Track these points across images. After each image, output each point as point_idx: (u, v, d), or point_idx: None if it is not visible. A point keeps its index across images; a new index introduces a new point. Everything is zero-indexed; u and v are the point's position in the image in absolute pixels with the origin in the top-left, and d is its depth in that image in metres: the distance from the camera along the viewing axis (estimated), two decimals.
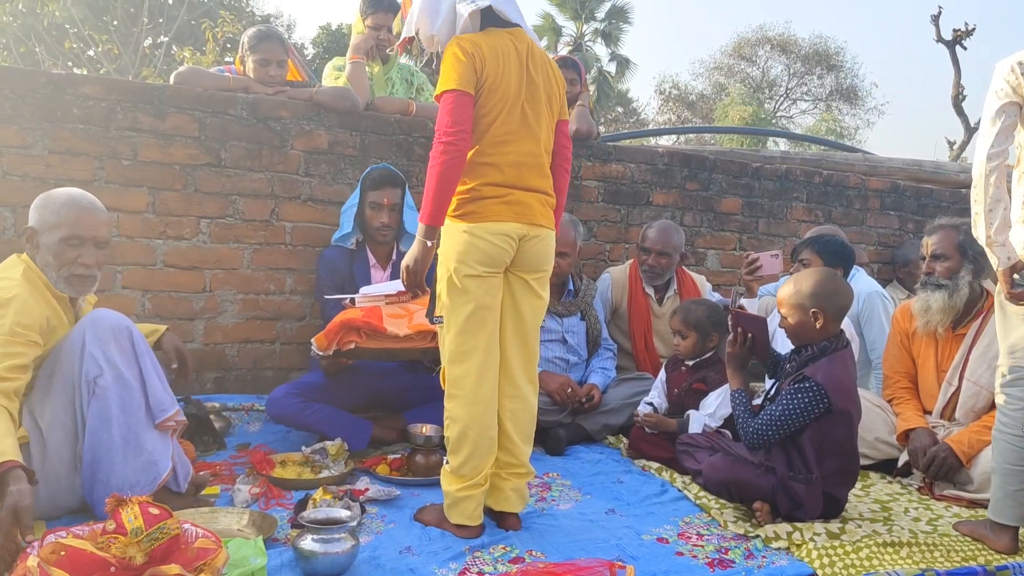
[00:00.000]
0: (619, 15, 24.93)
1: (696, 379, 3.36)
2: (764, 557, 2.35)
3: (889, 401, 3.37)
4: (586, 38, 25.27)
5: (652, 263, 3.92)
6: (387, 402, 3.41)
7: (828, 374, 2.57)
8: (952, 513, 2.80)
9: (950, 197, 5.66)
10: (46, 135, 3.24)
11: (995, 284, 2.45)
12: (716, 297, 4.04)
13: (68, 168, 3.28)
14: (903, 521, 2.67)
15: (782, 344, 3.06)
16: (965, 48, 12.83)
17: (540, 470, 3.08)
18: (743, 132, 18.41)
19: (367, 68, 4.05)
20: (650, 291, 4.02)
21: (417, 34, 2.50)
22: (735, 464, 2.70)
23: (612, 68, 25.27)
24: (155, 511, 1.77)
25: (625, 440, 3.49)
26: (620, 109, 26.58)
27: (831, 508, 2.62)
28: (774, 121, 25.05)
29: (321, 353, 3.01)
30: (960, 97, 12.92)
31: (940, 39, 12.98)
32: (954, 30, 12.69)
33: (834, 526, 2.52)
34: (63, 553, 1.65)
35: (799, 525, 2.51)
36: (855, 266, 3.75)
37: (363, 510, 2.51)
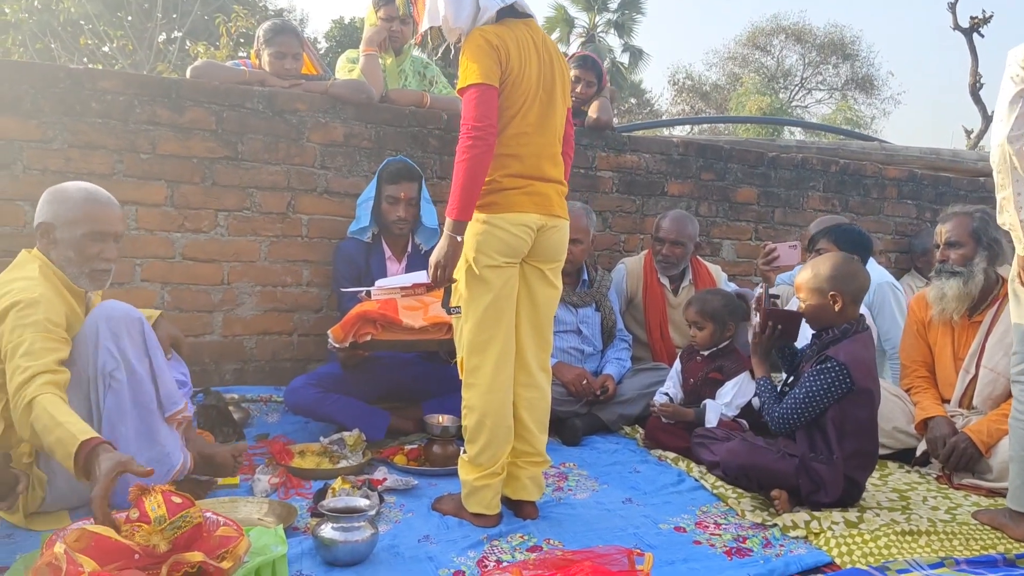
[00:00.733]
0: (632, 5, 24.82)
1: (712, 369, 3.36)
2: (782, 545, 2.36)
3: (907, 390, 3.35)
4: (599, 29, 25.17)
5: (666, 253, 3.92)
6: (404, 393, 3.42)
7: (850, 353, 2.59)
8: (971, 502, 2.79)
9: (968, 185, 5.62)
10: (65, 129, 3.27)
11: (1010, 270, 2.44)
12: (732, 287, 4.03)
13: (88, 162, 3.31)
14: (921, 510, 2.67)
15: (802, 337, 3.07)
16: (982, 36, 12.68)
17: (556, 460, 3.09)
18: (758, 122, 18.26)
19: (380, 60, 4.06)
20: (665, 281, 4.02)
21: (440, 25, 2.47)
22: (754, 449, 2.71)
23: (625, 59, 25.19)
24: (177, 500, 1.79)
25: (641, 430, 3.50)
26: (633, 100, 26.47)
27: (851, 492, 2.63)
28: (789, 111, 24.88)
29: (338, 345, 3.03)
30: (977, 85, 12.78)
31: (957, 27, 12.83)
32: (971, 17, 12.53)
33: (852, 515, 2.52)
34: (90, 542, 1.68)
35: (817, 514, 2.51)
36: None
37: (381, 500, 2.53)
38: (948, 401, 3.24)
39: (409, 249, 3.58)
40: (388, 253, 3.55)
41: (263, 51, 3.82)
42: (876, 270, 3.77)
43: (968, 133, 13.32)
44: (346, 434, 3.03)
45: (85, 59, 13.52)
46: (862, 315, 2.72)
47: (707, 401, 3.28)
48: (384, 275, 3.46)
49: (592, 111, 4.41)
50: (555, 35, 25.21)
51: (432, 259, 2.36)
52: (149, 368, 2.35)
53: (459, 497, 2.47)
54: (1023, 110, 2.28)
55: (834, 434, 2.58)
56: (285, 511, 2.38)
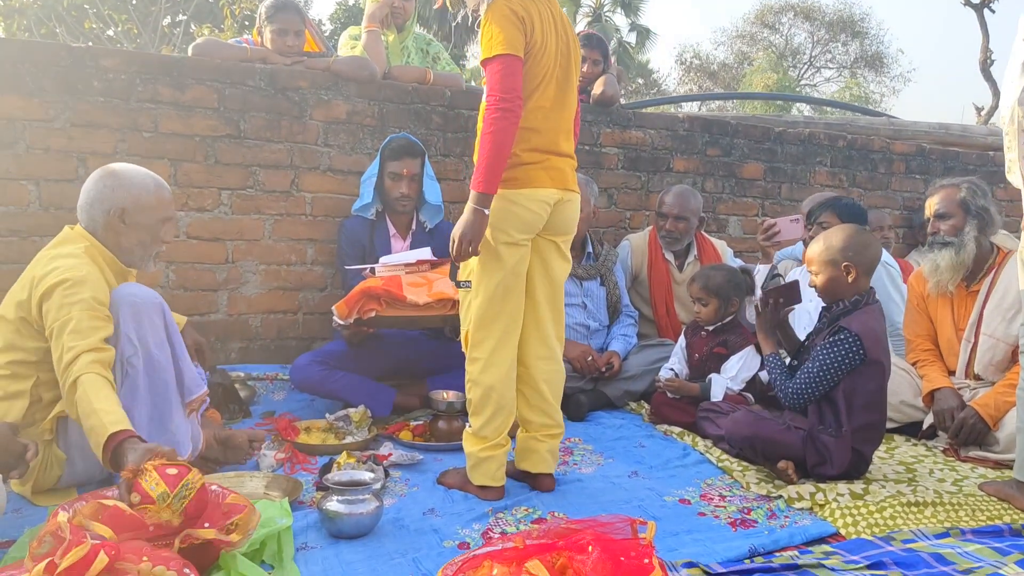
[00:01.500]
0: None
1: (717, 343, 3.35)
2: (787, 517, 2.35)
3: (913, 364, 3.35)
4: (605, 8, 24.98)
5: (669, 228, 3.90)
6: (410, 369, 3.43)
7: (863, 324, 2.59)
8: (978, 474, 2.78)
9: (977, 160, 5.57)
10: (68, 108, 3.26)
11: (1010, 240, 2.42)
12: (737, 263, 4.01)
13: (90, 141, 3.30)
14: (928, 482, 2.66)
15: (801, 324, 3.06)
16: (993, 11, 12.56)
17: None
18: (766, 98, 18.15)
19: (383, 37, 4.03)
20: (670, 257, 4.00)
21: None
22: (759, 420, 2.71)
23: (632, 39, 25.00)
24: (173, 471, 1.78)
25: (647, 405, 3.50)
26: (641, 80, 26.32)
27: (858, 465, 2.62)
28: (798, 89, 24.69)
29: (342, 322, 3.03)
30: (988, 62, 12.67)
31: (968, 2, 12.71)
32: None
33: (858, 487, 2.51)
34: (105, 512, 1.68)
35: (822, 486, 2.51)
36: None
37: (387, 474, 2.53)
38: (954, 373, 3.24)
39: (413, 226, 3.57)
40: (392, 230, 3.54)
41: (265, 28, 3.80)
42: None
43: (979, 110, 13.21)
44: (352, 410, 3.03)
45: (90, 43, 13.51)
46: (872, 288, 2.71)
47: (712, 376, 3.28)
48: (388, 252, 3.46)
49: (598, 86, 4.38)
50: None
51: (456, 232, 2.27)
52: (170, 353, 2.33)
53: (464, 471, 2.48)
54: None
55: (844, 406, 2.57)
56: (291, 485, 2.39)
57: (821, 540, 2.21)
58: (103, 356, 2.09)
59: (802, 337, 2.87)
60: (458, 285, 2.46)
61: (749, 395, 3.27)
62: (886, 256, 3.78)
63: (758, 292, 3.42)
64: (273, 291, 3.68)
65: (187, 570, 1.57)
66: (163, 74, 3.41)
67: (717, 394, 3.18)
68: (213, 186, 3.53)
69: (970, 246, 3.15)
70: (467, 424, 2.50)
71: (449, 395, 3.05)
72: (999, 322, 3.09)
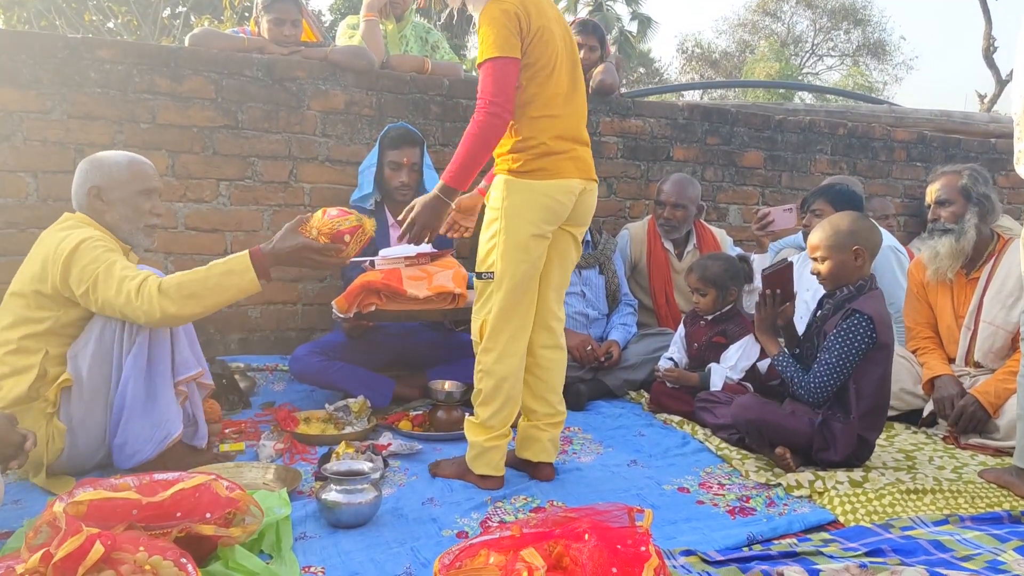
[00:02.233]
0: None
1: (716, 333, 3.34)
2: (786, 505, 2.35)
3: (913, 352, 3.34)
4: None
5: (667, 216, 3.90)
6: (409, 360, 3.43)
7: (873, 307, 2.57)
8: (978, 462, 2.77)
9: (979, 147, 5.54)
10: (65, 100, 3.26)
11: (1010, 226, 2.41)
12: (737, 252, 4.00)
13: (87, 132, 3.30)
14: (927, 469, 2.66)
15: (798, 315, 3.05)
16: None
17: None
18: (767, 86, 18.09)
19: (381, 26, 4.02)
20: (669, 246, 3.99)
21: None
22: (765, 404, 2.69)
23: (633, 27, 24.90)
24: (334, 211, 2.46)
25: (646, 394, 3.49)
26: (642, 70, 26.22)
27: (861, 451, 2.62)
28: (800, 78, 24.59)
29: (342, 316, 3.02)
30: (991, 49, 12.60)
31: None
32: None
33: (857, 474, 2.51)
34: (86, 508, 1.68)
35: (821, 474, 2.50)
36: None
37: (386, 464, 2.54)
38: (954, 360, 3.23)
39: None
40: (391, 220, 3.54)
41: (262, 18, 3.79)
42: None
43: (981, 98, 13.15)
44: (351, 401, 3.04)
45: (90, 35, 13.48)
46: (873, 273, 2.70)
47: (712, 365, 3.28)
48: (387, 242, 3.45)
49: (597, 74, 4.36)
50: (562, 3, 24.95)
51: (414, 212, 2.32)
52: (169, 332, 2.39)
53: (460, 460, 2.48)
54: None
55: (853, 392, 2.56)
56: (289, 475, 2.39)
57: (820, 528, 2.21)
58: (157, 280, 2.26)
59: (800, 328, 2.86)
60: (479, 276, 2.40)
61: (748, 384, 3.26)
62: (895, 242, 3.77)
63: (756, 281, 3.41)
64: (272, 282, 3.66)
65: (184, 560, 1.57)
66: (160, 65, 3.40)
67: (716, 383, 3.18)
68: (211, 177, 3.53)
69: (970, 233, 3.14)
70: (468, 413, 2.50)
71: (448, 385, 3.05)
72: (999, 309, 3.09)
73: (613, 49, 4.82)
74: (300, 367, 3.21)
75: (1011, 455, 2.56)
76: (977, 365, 3.16)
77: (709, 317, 3.39)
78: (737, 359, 3.23)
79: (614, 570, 1.52)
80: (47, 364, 2.28)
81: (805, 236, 3.65)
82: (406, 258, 3.16)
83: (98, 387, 2.31)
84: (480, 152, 2.24)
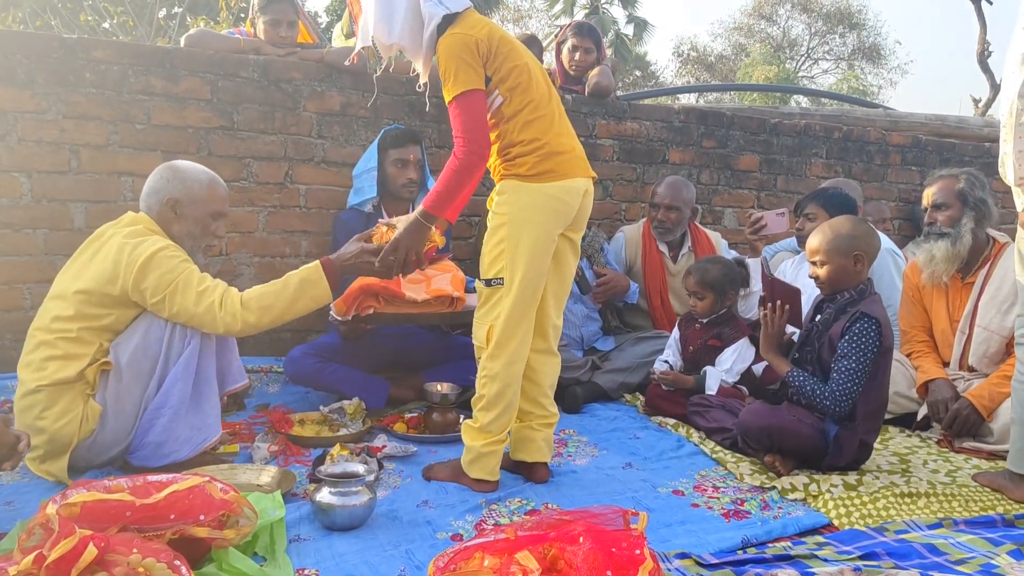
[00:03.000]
0: None
1: (711, 336, 3.35)
2: (780, 508, 2.36)
3: (908, 355, 3.35)
4: (603, 0, 24.90)
5: (661, 218, 3.90)
6: (404, 362, 3.42)
7: (879, 311, 2.57)
8: (972, 465, 2.78)
9: (973, 151, 5.56)
10: (60, 100, 3.25)
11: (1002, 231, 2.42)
12: (732, 255, 4.01)
13: (82, 133, 3.29)
14: (921, 472, 2.66)
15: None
16: (991, 3, 12.53)
17: (557, 428, 3.08)
18: (763, 90, 18.14)
19: None
20: (664, 249, 4.00)
21: (374, 43, 2.40)
22: (775, 411, 2.66)
23: (630, 30, 24.92)
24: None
25: (641, 397, 3.50)
26: (638, 72, 26.25)
27: (862, 455, 2.63)
28: (795, 81, 24.64)
29: (340, 318, 3.02)
30: (986, 53, 12.63)
31: None
32: None
33: (851, 478, 2.52)
34: (79, 510, 1.68)
35: (816, 477, 2.51)
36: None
37: (380, 466, 2.53)
38: (948, 364, 3.24)
39: None
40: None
41: (258, 19, 3.79)
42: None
43: (976, 102, 13.19)
44: (346, 403, 3.03)
45: (85, 36, 13.45)
46: (870, 277, 2.70)
47: (707, 368, 3.28)
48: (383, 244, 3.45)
49: (592, 77, 4.37)
50: (558, 7, 24.98)
51: (398, 240, 2.36)
52: (213, 340, 2.49)
53: (455, 463, 2.48)
54: None
55: (859, 398, 2.55)
56: (284, 478, 2.39)
57: (814, 531, 2.21)
58: (237, 294, 2.42)
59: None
60: (488, 284, 2.38)
61: (743, 387, 3.27)
62: (892, 246, 3.78)
63: (752, 284, 3.42)
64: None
65: (177, 562, 1.57)
66: (156, 66, 3.40)
67: (712, 386, 3.18)
68: None
69: (966, 237, 3.14)
70: (463, 417, 2.49)
71: (443, 387, 3.04)
72: (994, 314, 3.09)
73: (609, 52, 4.83)
74: (295, 369, 3.21)
75: (1005, 458, 2.57)
76: (971, 369, 3.17)
77: (704, 320, 3.39)
78: (732, 362, 3.24)
79: (609, 573, 1.52)
80: (98, 354, 2.37)
81: (798, 240, 3.65)
82: None
83: (135, 378, 2.38)
84: (460, 186, 2.30)
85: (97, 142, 3.31)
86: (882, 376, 2.62)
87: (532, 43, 4.53)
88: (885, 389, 2.67)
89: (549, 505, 2.34)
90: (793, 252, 3.94)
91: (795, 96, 17.26)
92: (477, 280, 2.42)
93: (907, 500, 2.39)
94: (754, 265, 3.52)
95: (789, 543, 2.10)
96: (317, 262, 2.49)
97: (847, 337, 2.55)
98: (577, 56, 4.48)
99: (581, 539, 1.60)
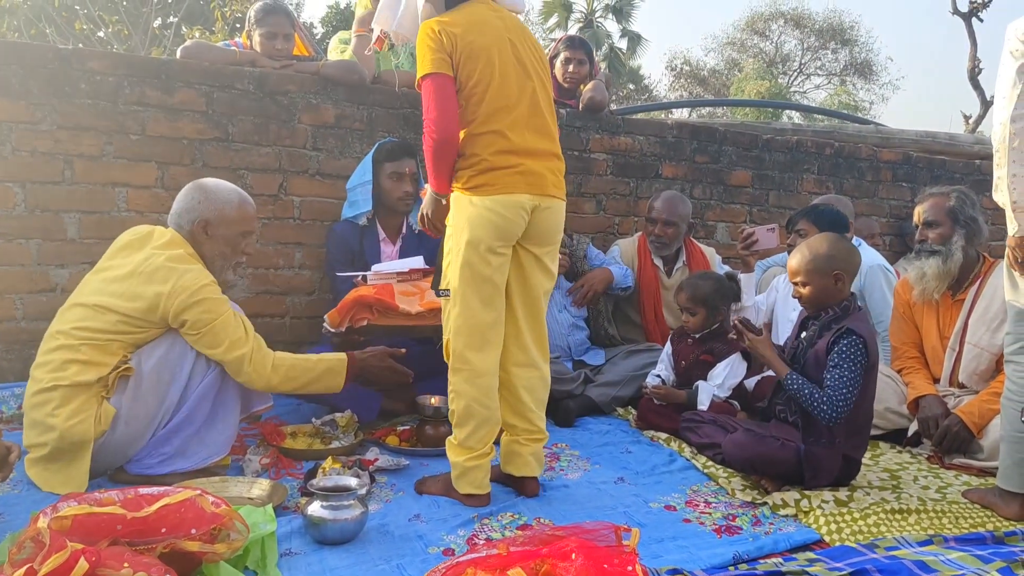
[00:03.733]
0: None
1: (703, 351, 3.36)
2: (772, 524, 2.36)
3: (899, 371, 3.37)
4: (597, 14, 25.07)
5: (659, 233, 3.91)
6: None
7: (865, 328, 2.58)
8: (962, 481, 2.79)
9: (963, 168, 5.61)
10: (54, 110, 3.25)
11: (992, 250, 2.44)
12: (725, 269, 4.03)
13: (77, 143, 3.29)
14: (912, 489, 2.67)
15: (784, 334, 3.06)
16: (981, 20, 12.67)
17: (549, 441, 3.08)
18: (755, 105, 18.26)
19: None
20: (658, 263, 4.01)
21: (383, 32, 2.59)
22: (759, 440, 2.64)
23: (623, 44, 25.10)
24: None
25: (634, 411, 3.50)
26: (632, 86, 26.40)
27: (848, 470, 2.63)
28: (787, 96, 24.82)
29: (333, 330, 3.02)
30: (976, 70, 12.76)
31: (956, 11, 12.81)
32: (970, 2, 12.52)
33: (842, 494, 2.52)
34: (70, 524, 1.67)
35: (807, 493, 2.51)
36: (857, 238, 3.76)
37: (372, 479, 2.53)
38: (938, 381, 3.26)
39: (404, 231, 3.57)
40: (382, 235, 3.54)
41: (254, 31, 3.80)
42: (868, 253, 3.77)
43: (967, 119, 13.31)
44: (338, 415, 3.02)
45: (80, 44, 13.45)
46: (854, 293, 2.72)
47: (699, 383, 3.29)
48: (378, 257, 3.46)
49: (587, 91, 4.40)
50: (553, 20, 25.11)
51: (421, 210, 2.50)
52: None
53: (447, 477, 2.47)
54: None
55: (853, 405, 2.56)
56: (275, 491, 2.38)
57: (805, 547, 2.22)
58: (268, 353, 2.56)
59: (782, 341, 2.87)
60: (438, 294, 2.44)
61: (735, 403, 3.28)
62: (884, 261, 3.80)
63: (744, 299, 3.43)
64: (260, 295, 3.67)
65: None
66: (151, 77, 3.40)
67: (704, 401, 3.19)
68: None
69: (957, 255, 3.16)
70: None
71: (436, 400, 3.04)
72: (984, 332, 3.11)
73: (603, 66, 4.87)
74: None
75: (995, 475, 2.58)
76: (961, 386, 3.19)
77: (697, 335, 3.40)
78: (724, 377, 3.25)
79: None
80: (121, 361, 2.39)
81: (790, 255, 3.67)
82: (398, 274, 3.17)
83: (154, 387, 2.41)
84: (440, 165, 2.36)
85: (91, 153, 3.31)
86: (867, 392, 2.62)
87: None
88: (870, 405, 2.67)
89: (541, 520, 2.34)
90: (784, 267, 3.95)
91: (786, 111, 17.33)
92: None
93: (898, 516, 2.39)
94: (746, 280, 3.53)
95: (780, 559, 2.10)
96: (344, 356, 2.71)
97: (835, 352, 2.56)
98: (570, 68, 4.51)
99: (573, 555, 1.61)
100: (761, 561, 2.10)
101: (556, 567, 1.59)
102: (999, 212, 2.55)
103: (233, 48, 3.77)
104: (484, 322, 2.37)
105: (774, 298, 3.64)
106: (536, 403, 2.54)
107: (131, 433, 2.40)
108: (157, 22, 14.20)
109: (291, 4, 19.93)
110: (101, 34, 13.69)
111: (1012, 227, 2.34)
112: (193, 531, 1.77)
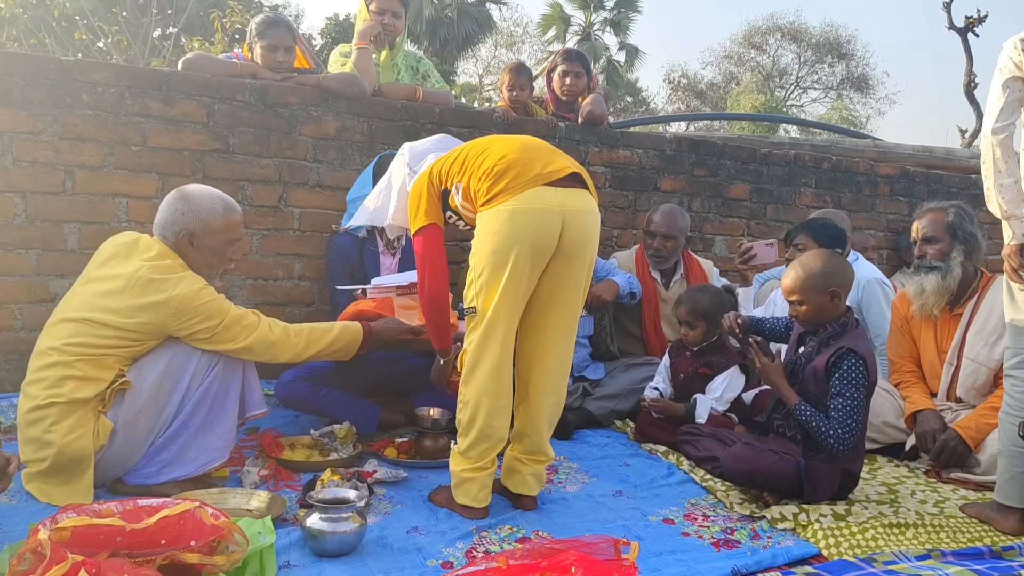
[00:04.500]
0: (628, 4, 24.77)
1: (701, 364, 3.36)
2: (770, 537, 2.36)
3: (896, 385, 3.37)
4: (595, 27, 25.15)
5: (657, 246, 3.92)
6: (395, 386, 3.42)
7: (864, 347, 2.58)
8: (959, 496, 2.80)
9: (960, 183, 5.64)
10: (56, 121, 3.26)
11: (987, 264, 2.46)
12: (723, 282, 4.04)
13: (78, 154, 3.30)
14: (910, 503, 2.67)
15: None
16: (977, 35, 12.73)
17: None
18: (753, 119, 18.33)
19: (373, 55, 4.05)
20: (656, 275, 4.02)
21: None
22: (757, 454, 2.64)
23: (621, 57, 25.17)
24: None
25: (632, 424, 3.50)
26: (629, 99, 26.48)
27: (847, 484, 2.63)
28: (785, 110, 24.92)
29: None
30: (972, 85, 12.83)
31: (952, 26, 12.88)
32: (966, 17, 12.58)
33: (840, 507, 2.53)
34: (70, 534, 1.67)
35: (805, 506, 2.51)
36: (854, 252, 3.76)
37: (371, 492, 2.53)
38: (936, 395, 3.26)
39: (403, 242, 3.57)
40: (381, 247, 3.55)
41: (255, 44, 3.81)
42: (865, 266, 3.79)
43: (963, 133, 13.36)
44: (337, 427, 3.02)
45: (80, 55, 13.47)
46: (850, 307, 2.73)
47: (697, 396, 3.29)
48: (377, 269, 3.46)
49: (586, 105, 4.42)
50: (551, 33, 25.22)
51: (431, 380, 2.83)
52: (242, 371, 2.56)
53: (451, 488, 2.47)
54: (1009, 100, 2.31)
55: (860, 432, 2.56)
56: (274, 503, 2.38)
57: (803, 561, 2.22)
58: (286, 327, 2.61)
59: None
60: (462, 315, 2.43)
61: (733, 416, 3.28)
62: (881, 276, 3.81)
63: (741, 312, 3.44)
64: (260, 306, 3.63)
65: None
66: (152, 88, 3.42)
67: (702, 414, 3.19)
68: None
69: (956, 271, 3.17)
70: (453, 442, 2.49)
71: (435, 412, 3.04)
72: (982, 346, 3.12)
73: (601, 79, 4.88)
74: (286, 392, 3.20)
75: (992, 490, 2.59)
76: (959, 400, 3.19)
77: (695, 348, 3.41)
78: (722, 390, 3.25)
79: None
80: (118, 376, 2.38)
81: None
82: (398, 287, 3.17)
83: (154, 399, 2.40)
84: (437, 318, 2.59)
85: (92, 163, 3.32)
86: (865, 409, 2.63)
87: (521, 70, 4.58)
88: (866, 421, 2.67)
89: (540, 533, 2.34)
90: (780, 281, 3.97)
91: (784, 125, 17.41)
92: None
93: (895, 531, 2.40)
94: (744, 293, 3.54)
95: (778, 573, 2.11)
96: (357, 322, 2.83)
97: (837, 375, 2.54)
98: (568, 81, 4.53)
99: (573, 569, 1.61)
100: (759, 575, 2.10)
101: None
102: (996, 226, 2.57)
103: (235, 60, 3.79)
104: (498, 338, 2.33)
105: (772, 312, 3.65)
106: (547, 427, 2.53)
107: (129, 446, 2.40)
108: (157, 33, 14.22)
109: (290, 16, 20.00)
110: (101, 44, 13.71)
111: (1008, 235, 2.36)
112: (192, 543, 1.76)
